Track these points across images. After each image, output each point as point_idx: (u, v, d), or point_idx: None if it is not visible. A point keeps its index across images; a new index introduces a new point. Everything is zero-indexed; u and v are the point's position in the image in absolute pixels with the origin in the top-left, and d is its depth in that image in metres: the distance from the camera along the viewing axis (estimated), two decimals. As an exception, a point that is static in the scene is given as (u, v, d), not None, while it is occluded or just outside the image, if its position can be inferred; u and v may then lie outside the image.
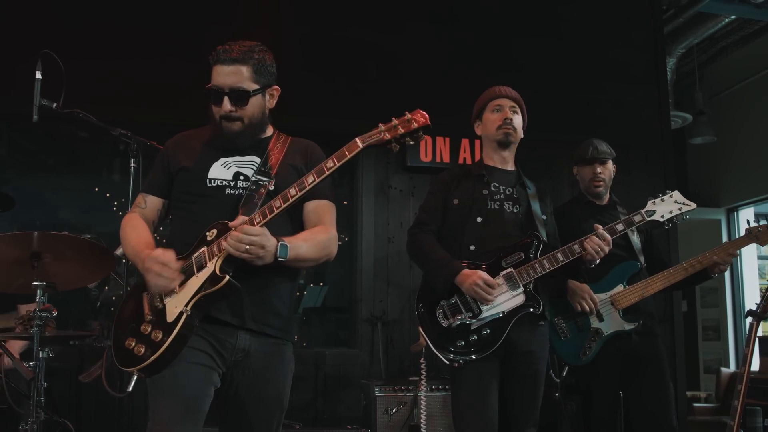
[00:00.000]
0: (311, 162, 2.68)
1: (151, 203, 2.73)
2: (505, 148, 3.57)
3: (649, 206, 3.62)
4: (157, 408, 2.41)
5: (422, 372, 4.01)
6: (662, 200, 3.62)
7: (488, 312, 3.27)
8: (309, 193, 2.59)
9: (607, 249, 3.39)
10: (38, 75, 3.45)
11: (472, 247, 3.39)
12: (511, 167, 3.62)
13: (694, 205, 3.60)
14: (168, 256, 2.43)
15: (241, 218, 2.43)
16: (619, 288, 3.99)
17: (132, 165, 3.56)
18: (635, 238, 4.15)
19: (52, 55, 3.47)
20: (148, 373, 2.38)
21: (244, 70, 2.59)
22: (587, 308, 3.80)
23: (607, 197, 4.28)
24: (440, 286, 3.33)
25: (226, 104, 2.59)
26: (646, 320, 4.00)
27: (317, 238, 2.62)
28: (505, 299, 3.30)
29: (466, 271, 3.28)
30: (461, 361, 3.24)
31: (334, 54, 5.84)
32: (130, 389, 2.34)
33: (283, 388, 2.64)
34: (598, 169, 4.18)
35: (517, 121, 3.56)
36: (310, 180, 2.43)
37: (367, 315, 5.49)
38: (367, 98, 5.78)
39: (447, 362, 3.25)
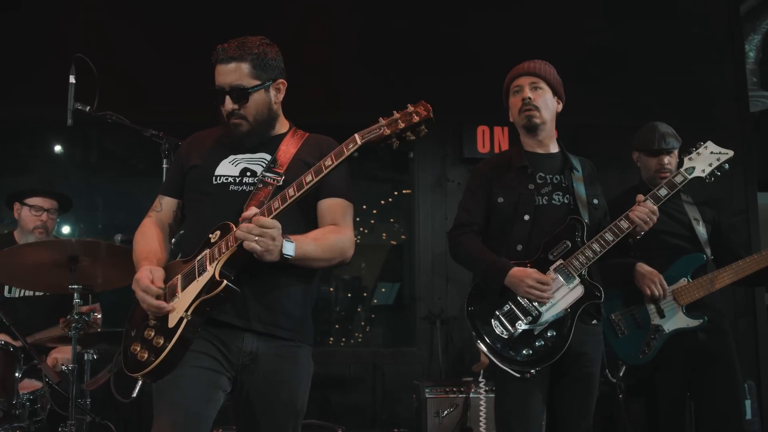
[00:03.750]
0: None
1: (167, 205, 2.72)
2: (532, 132, 3.27)
3: (687, 163, 3.35)
4: (159, 414, 2.37)
5: (481, 394, 3.85)
6: (698, 153, 3.36)
7: (549, 312, 3.02)
8: (322, 191, 2.57)
9: (655, 217, 3.12)
10: (72, 79, 3.47)
11: (519, 247, 3.14)
12: (554, 149, 3.32)
13: (731, 153, 3.36)
14: (146, 282, 2.38)
15: (253, 209, 2.35)
16: (683, 282, 3.71)
17: (165, 165, 3.55)
18: (701, 229, 3.86)
19: (85, 60, 3.47)
20: (152, 378, 2.34)
21: (243, 67, 2.54)
22: (657, 293, 3.55)
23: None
24: (493, 288, 3.11)
25: (229, 103, 2.56)
26: (712, 317, 3.70)
27: (328, 237, 2.53)
28: (564, 294, 3.04)
29: (515, 271, 3.04)
30: (532, 371, 2.99)
31: (390, 46, 5.73)
32: (134, 395, 2.28)
33: (297, 392, 2.55)
34: (666, 160, 3.88)
35: (542, 97, 3.24)
36: (309, 179, 2.33)
37: (425, 313, 5.35)
38: (423, 90, 5.63)
39: (518, 375, 2.99)
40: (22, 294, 4.14)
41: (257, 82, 2.56)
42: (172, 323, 2.32)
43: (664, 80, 5.83)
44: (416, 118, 2.23)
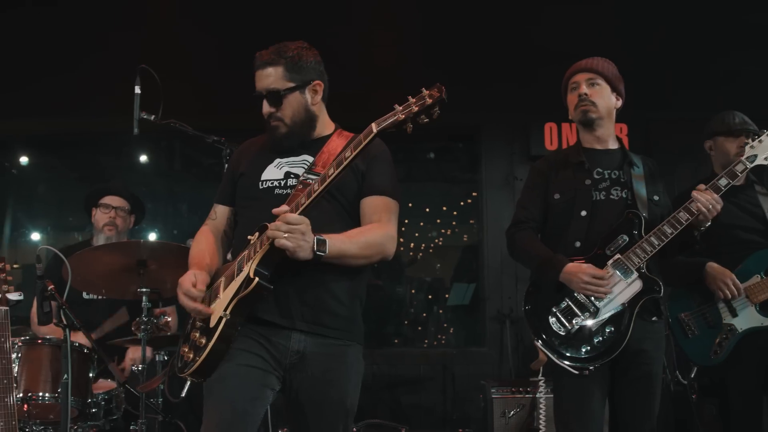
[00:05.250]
0: (369, 157, 2.60)
1: (221, 213, 2.79)
2: (589, 127, 3.23)
3: (749, 151, 3.23)
4: (207, 411, 2.42)
5: (540, 392, 3.80)
6: (760, 141, 3.23)
7: (607, 307, 2.97)
8: (364, 189, 2.60)
9: (719, 206, 3.02)
10: (137, 90, 3.57)
11: (577, 244, 3.10)
12: (613, 145, 3.27)
13: None
14: (187, 285, 2.46)
15: (283, 207, 2.39)
16: (756, 279, 3.56)
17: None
18: (775, 220, 3.69)
19: (149, 70, 3.58)
20: (198, 378, 2.41)
21: (277, 71, 2.61)
22: (729, 294, 3.44)
23: (744, 176, 3.81)
24: (549, 285, 3.08)
25: (266, 106, 2.64)
26: (788, 314, 3.54)
27: (367, 235, 2.53)
28: (621, 288, 2.98)
29: (569, 267, 3.00)
30: (591, 367, 2.95)
31: (455, 46, 5.70)
32: (183, 394, 2.35)
33: (346, 391, 2.56)
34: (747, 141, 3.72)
35: (599, 93, 3.19)
36: (330, 172, 2.35)
37: (494, 312, 5.30)
38: (490, 88, 5.60)
39: (576, 372, 2.95)
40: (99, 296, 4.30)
41: (291, 84, 2.61)
42: (212, 323, 2.38)
43: (739, 71, 5.60)
44: (429, 101, 2.23)
